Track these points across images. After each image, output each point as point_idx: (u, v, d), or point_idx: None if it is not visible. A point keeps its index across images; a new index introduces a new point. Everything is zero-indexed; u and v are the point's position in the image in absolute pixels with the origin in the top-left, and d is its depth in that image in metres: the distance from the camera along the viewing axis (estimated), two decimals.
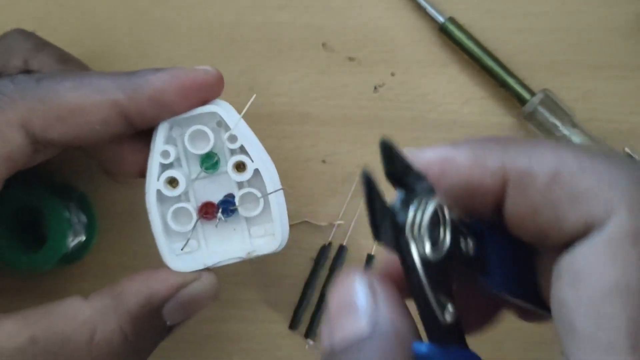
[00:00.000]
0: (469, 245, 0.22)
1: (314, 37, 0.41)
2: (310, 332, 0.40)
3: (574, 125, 0.38)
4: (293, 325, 0.40)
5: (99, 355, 0.29)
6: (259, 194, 0.32)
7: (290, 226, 0.40)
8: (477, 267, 0.22)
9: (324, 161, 0.40)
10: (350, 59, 0.41)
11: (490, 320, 0.26)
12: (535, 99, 0.38)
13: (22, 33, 0.35)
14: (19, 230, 0.37)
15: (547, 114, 0.38)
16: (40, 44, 0.35)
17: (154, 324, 0.31)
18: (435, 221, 0.21)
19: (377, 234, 0.20)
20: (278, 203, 0.32)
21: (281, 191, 0.33)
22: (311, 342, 0.39)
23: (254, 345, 0.40)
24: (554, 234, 0.20)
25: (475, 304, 0.25)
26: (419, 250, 0.20)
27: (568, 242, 0.20)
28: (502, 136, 0.31)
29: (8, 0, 0.41)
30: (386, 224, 0.20)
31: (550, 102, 0.38)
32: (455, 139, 0.39)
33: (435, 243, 0.21)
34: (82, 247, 0.40)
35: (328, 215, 0.40)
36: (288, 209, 0.33)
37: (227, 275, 0.39)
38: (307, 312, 0.40)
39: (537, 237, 0.21)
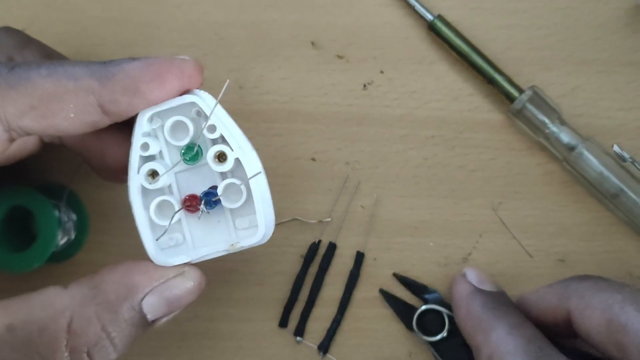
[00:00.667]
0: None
1: (303, 35, 0.41)
2: (300, 330, 0.40)
3: (562, 122, 0.38)
4: (283, 322, 0.40)
5: (76, 343, 0.29)
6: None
7: (280, 224, 0.40)
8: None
9: (313, 159, 0.41)
10: (339, 56, 0.41)
11: None
12: (524, 97, 0.38)
13: (6, 30, 0.35)
14: (8, 229, 0.37)
15: (535, 111, 0.38)
16: (25, 40, 0.34)
17: (133, 317, 0.30)
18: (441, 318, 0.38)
19: (407, 326, 0.39)
20: (260, 193, 0.31)
21: (265, 183, 0.32)
22: (300, 339, 0.40)
23: (244, 343, 0.40)
24: None
25: None
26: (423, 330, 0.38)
27: None
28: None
29: None
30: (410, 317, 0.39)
31: (539, 100, 0.38)
32: (443, 135, 0.40)
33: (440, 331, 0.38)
34: (72, 246, 0.40)
35: (318, 213, 0.40)
36: (277, 206, 0.33)
37: (216, 274, 0.40)
38: (297, 309, 0.40)
39: None
